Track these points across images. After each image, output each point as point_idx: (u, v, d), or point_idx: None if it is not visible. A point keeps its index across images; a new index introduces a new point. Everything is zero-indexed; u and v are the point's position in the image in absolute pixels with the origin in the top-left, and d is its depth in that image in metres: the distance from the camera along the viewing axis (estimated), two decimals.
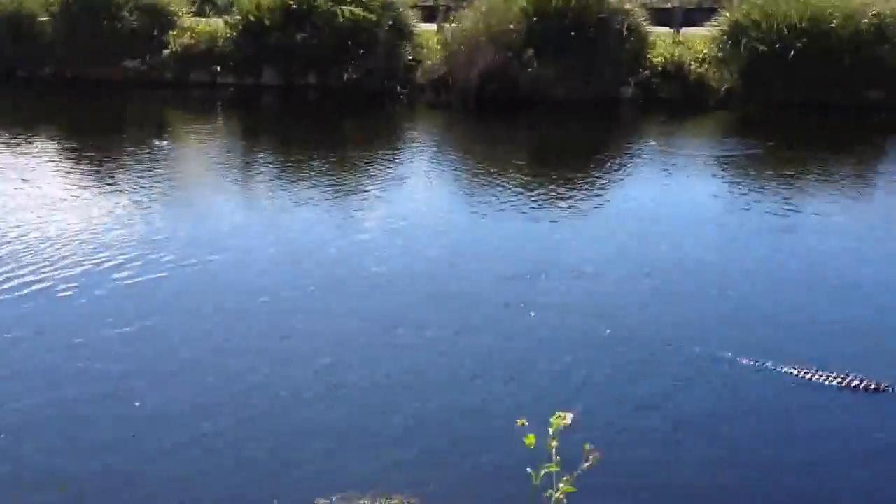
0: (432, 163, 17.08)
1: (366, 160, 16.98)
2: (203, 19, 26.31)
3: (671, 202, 14.37)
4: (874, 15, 20.85)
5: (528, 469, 3.46)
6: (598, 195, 14.68)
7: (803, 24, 20.67)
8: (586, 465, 3.44)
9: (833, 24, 20.63)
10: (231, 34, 24.22)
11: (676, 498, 6.50)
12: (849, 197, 14.68)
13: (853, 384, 7.87)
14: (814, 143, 18.19)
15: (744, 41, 21.21)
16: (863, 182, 15.82)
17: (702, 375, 8.20)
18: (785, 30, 20.79)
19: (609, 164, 16.93)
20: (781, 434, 7.32)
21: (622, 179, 15.79)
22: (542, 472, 3.40)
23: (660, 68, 21.89)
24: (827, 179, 15.57)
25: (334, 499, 6.01)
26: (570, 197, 14.37)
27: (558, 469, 3.39)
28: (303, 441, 6.92)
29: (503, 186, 14.92)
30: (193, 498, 6.17)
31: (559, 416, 3.38)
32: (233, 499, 6.17)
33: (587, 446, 3.45)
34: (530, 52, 21.66)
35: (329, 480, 6.26)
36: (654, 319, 9.43)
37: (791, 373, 8.12)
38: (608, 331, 8.95)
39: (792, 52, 20.60)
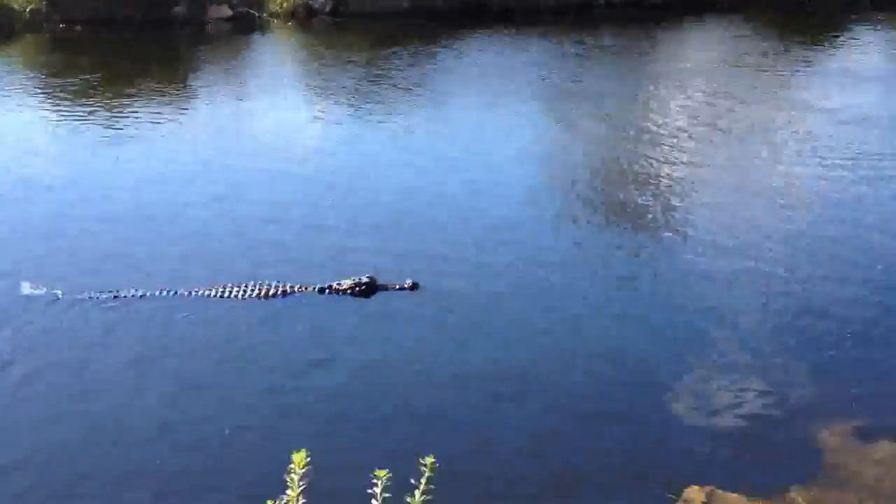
0: None
1: None
2: None
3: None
4: None
5: None
6: None
7: None
8: None
9: None
10: None
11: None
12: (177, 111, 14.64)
13: (263, 293, 7.90)
14: (121, 61, 17.75)
15: None
16: (182, 96, 15.87)
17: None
18: None
19: None
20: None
21: None
22: None
23: None
24: (139, 94, 15.31)
25: None
26: None
27: None
28: None
29: None
30: None
31: None
32: None
33: None
34: None
35: None
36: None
37: (208, 294, 7.88)
38: None
39: None
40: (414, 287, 8.15)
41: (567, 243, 9.30)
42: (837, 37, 21.13)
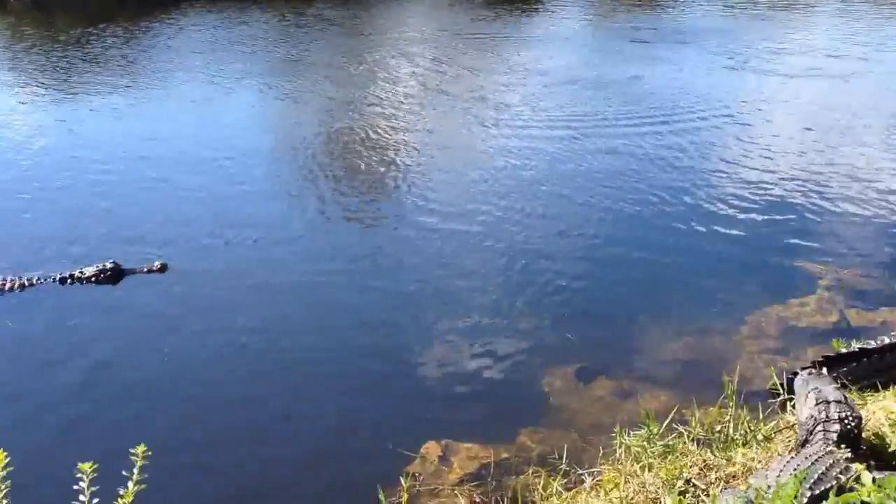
0: None
1: None
2: None
3: None
4: None
5: None
6: None
7: None
8: None
9: None
10: None
11: None
12: None
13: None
14: None
15: None
16: None
17: None
18: None
19: None
20: None
21: None
22: None
23: None
24: None
25: None
26: None
27: None
28: None
29: None
30: None
31: None
32: None
33: None
34: None
35: None
36: None
37: None
38: None
39: None
40: (163, 269, 7.87)
41: (305, 215, 9.29)
42: (538, 2, 22.34)
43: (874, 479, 3.40)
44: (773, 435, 5.23)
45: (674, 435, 5.17)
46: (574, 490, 4.96)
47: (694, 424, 5.28)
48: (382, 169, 10.61)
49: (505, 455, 5.48)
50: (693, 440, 5.14)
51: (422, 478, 5.25)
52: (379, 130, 11.98)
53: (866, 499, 3.28)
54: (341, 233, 8.97)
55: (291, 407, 6.09)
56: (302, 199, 9.71)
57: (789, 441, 5.07)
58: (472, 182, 10.15)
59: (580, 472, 5.14)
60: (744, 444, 5.08)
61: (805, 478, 3.91)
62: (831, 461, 4.13)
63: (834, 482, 3.95)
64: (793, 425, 5.16)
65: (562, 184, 10.07)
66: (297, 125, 12.46)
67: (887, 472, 4.04)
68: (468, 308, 7.35)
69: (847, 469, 4.04)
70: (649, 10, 21.62)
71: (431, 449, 5.52)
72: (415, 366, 6.54)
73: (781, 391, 5.64)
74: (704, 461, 4.89)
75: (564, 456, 5.26)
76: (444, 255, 8.35)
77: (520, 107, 13.15)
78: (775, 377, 5.76)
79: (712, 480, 4.73)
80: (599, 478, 4.99)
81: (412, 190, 9.94)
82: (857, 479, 3.73)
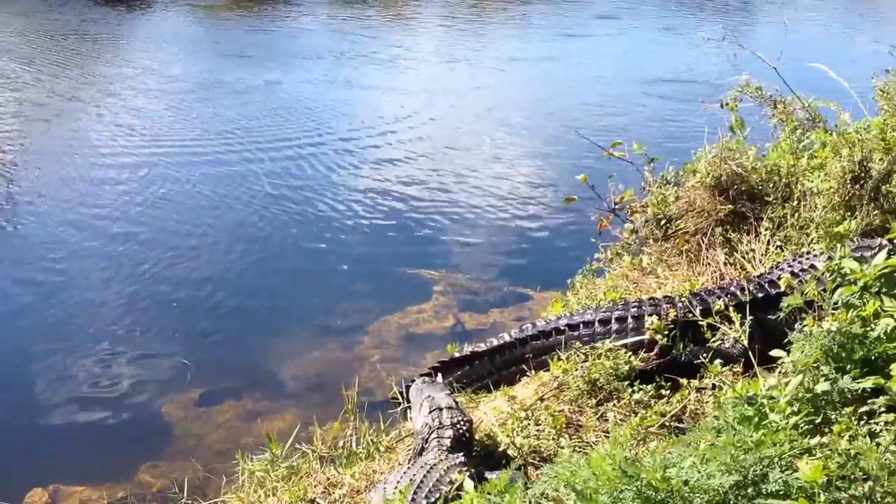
0: None
1: None
2: None
3: None
4: None
5: None
6: None
7: None
8: None
9: None
10: None
11: None
12: None
13: None
14: None
15: None
16: None
17: None
18: None
19: None
20: None
21: None
22: None
23: None
24: None
25: None
26: None
27: None
28: None
29: None
30: None
31: None
32: None
33: None
34: None
35: None
36: None
37: None
38: None
39: None
40: None
41: None
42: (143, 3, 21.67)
43: (475, 485, 3.54)
44: (395, 445, 5.32)
45: (297, 455, 5.10)
46: None
47: (317, 442, 5.25)
48: None
49: (121, 494, 5.14)
50: (317, 458, 5.11)
51: None
52: None
53: None
54: None
55: None
56: None
57: (410, 449, 5.19)
58: (95, 201, 9.55)
59: None
60: (367, 457, 5.13)
61: (417, 489, 4.01)
62: (444, 469, 4.26)
63: (444, 490, 4.07)
64: (414, 433, 5.29)
65: (191, 201, 9.75)
66: None
67: (497, 473, 4.24)
68: (83, 340, 6.88)
69: (456, 478, 4.18)
70: (264, 16, 21.37)
71: (37, 497, 5.04)
72: (18, 405, 5.97)
73: (401, 400, 5.76)
74: (328, 479, 4.87)
75: (185, 489, 5.02)
76: (60, 286, 7.78)
77: (155, 114, 12.62)
78: (395, 386, 5.89)
79: (337, 498, 4.72)
80: None
81: (24, 212, 9.12)
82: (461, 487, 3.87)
